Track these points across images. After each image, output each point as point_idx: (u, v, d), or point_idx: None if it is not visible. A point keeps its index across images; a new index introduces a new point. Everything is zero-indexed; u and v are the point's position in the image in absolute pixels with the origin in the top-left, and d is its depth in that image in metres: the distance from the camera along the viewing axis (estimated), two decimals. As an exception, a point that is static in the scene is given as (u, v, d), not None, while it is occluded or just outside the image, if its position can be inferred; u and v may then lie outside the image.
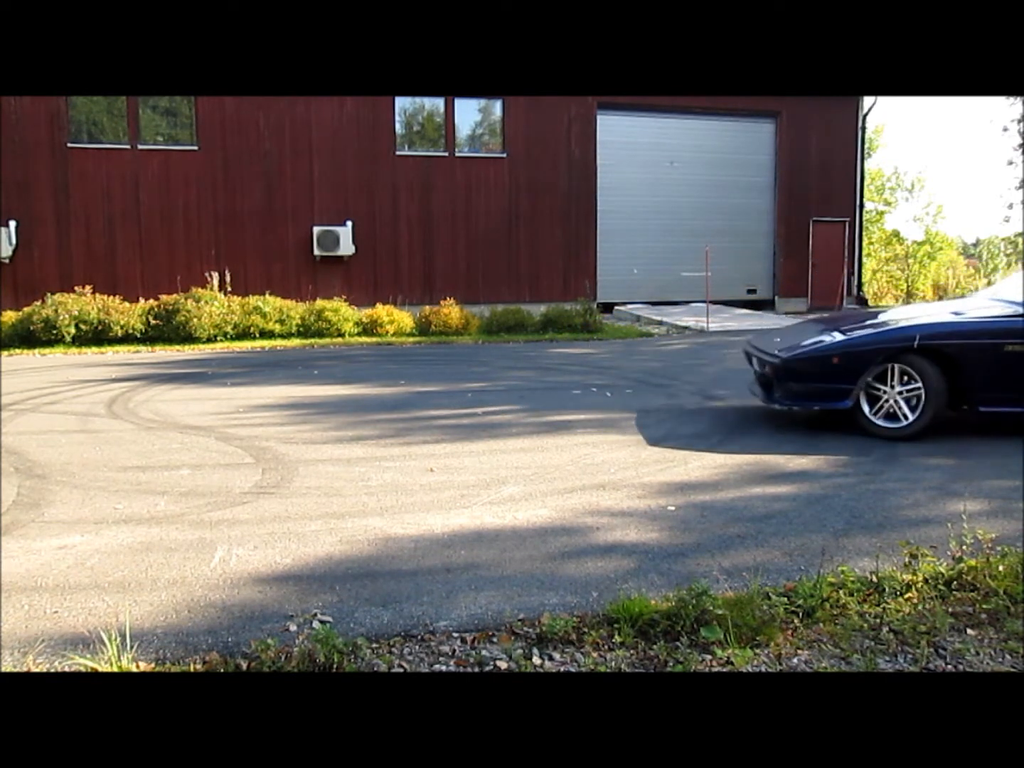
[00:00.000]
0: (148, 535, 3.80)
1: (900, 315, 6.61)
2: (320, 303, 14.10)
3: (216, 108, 15.05)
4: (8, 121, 14.10)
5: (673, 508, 4.16)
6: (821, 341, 5.89)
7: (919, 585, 3.09)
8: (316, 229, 15.48)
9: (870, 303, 19.80)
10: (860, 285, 19.58)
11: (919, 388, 5.61)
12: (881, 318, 6.48)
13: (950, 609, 2.93)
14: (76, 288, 13.55)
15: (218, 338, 13.10)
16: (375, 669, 2.55)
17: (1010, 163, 27.31)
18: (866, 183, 21.85)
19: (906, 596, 3.03)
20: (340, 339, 13.56)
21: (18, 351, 11.90)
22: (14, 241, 14.15)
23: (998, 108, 49.61)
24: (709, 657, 2.62)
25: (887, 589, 3.05)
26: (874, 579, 3.11)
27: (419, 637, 2.79)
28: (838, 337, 5.84)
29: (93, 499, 4.37)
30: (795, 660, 2.63)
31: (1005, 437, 5.70)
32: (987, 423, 5.92)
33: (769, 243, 18.89)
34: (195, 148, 15.13)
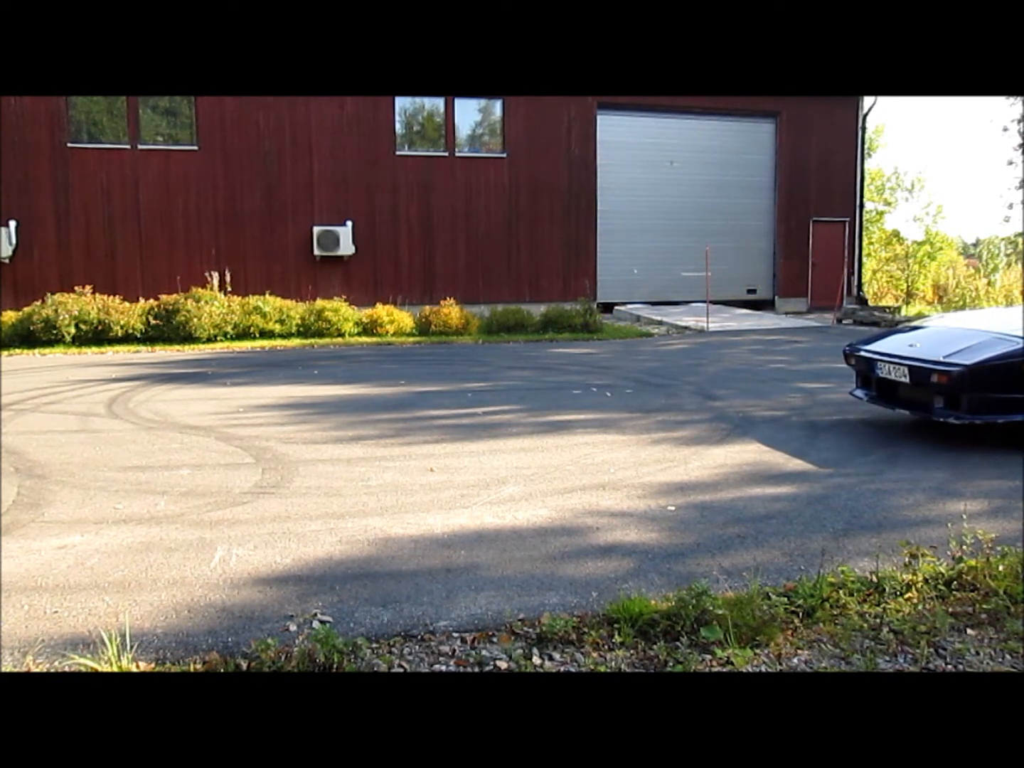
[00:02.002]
0: (148, 535, 3.80)
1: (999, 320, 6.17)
2: (320, 303, 14.10)
3: (216, 108, 15.06)
4: (8, 121, 14.10)
5: (673, 508, 4.16)
6: (1003, 346, 5.35)
7: (919, 585, 3.09)
8: (316, 229, 15.48)
9: (870, 303, 19.79)
10: (860, 285, 19.59)
11: None
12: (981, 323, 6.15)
13: (950, 609, 2.93)
14: (76, 288, 13.55)
15: (218, 338, 13.10)
16: (375, 669, 2.55)
17: (1010, 163, 27.31)
18: (866, 183, 21.85)
19: (906, 596, 3.03)
20: (340, 339, 13.56)
21: (18, 351, 11.90)
22: (14, 241, 14.15)
23: (998, 108, 49.64)
24: (709, 657, 2.62)
25: (887, 589, 3.05)
26: (874, 579, 3.11)
27: (419, 637, 2.79)
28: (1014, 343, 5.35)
29: (93, 499, 4.37)
30: (795, 660, 2.63)
31: None
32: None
33: (769, 243, 18.90)
34: (195, 148, 15.13)
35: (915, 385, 5.61)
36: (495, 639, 2.77)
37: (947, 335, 5.96)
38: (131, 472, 4.92)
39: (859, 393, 6.30)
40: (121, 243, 14.86)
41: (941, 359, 5.40)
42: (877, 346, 6.18)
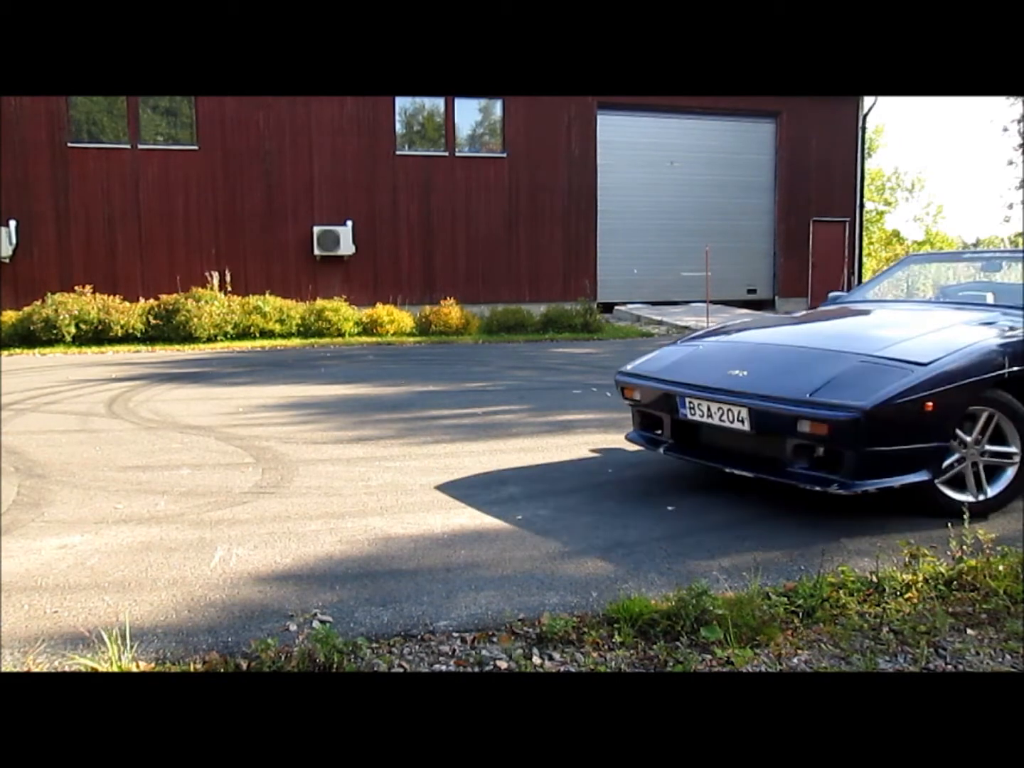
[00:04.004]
0: (148, 535, 3.80)
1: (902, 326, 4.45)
2: (320, 303, 14.10)
3: (216, 108, 15.06)
4: (8, 121, 14.10)
5: (672, 508, 4.16)
6: (894, 375, 3.77)
7: (919, 585, 3.09)
8: (316, 229, 15.49)
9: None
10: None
11: (1013, 449, 3.99)
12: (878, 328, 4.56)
13: (950, 609, 2.93)
14: (76, 288, 13.55)
15: (218, 338, 13.10)
16: (375, 669, 2.55)
17: (1010, 163, 27.34)
18: (866, 183, 21.86)
19: (906, 596, 3.03)
20: (340, 339, 13.56)
21: (18, 351, 11.90)
22: (14, 241, 14.16)
23: (998, 108, 49.64)
24: (709, 657, 2.62)
25: (887, 589, 3.05)
26: (874, 579, 3.11)
27: (419, 637, 2.79)
28: (916, 369, 3.78)
29: (93, 499, 4.37)
30: (795, 660, 2.63)
31: None
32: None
33: (769, 243, 18.90)
34: (195, 148, 15.13)
35: (761, 435, 3.96)
36: (495, 639, 2.77)
37: (783, 356, 4.23)
38: (131, 472, 4.92)
39: (638, 438, 4.71)
40: (121, 243, 14.86)
41: (808, 397, 3.74)
42: (675, 371, 4.44)
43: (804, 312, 6.08)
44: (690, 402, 4.18)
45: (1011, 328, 4.21)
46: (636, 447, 5.00)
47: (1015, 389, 3.99)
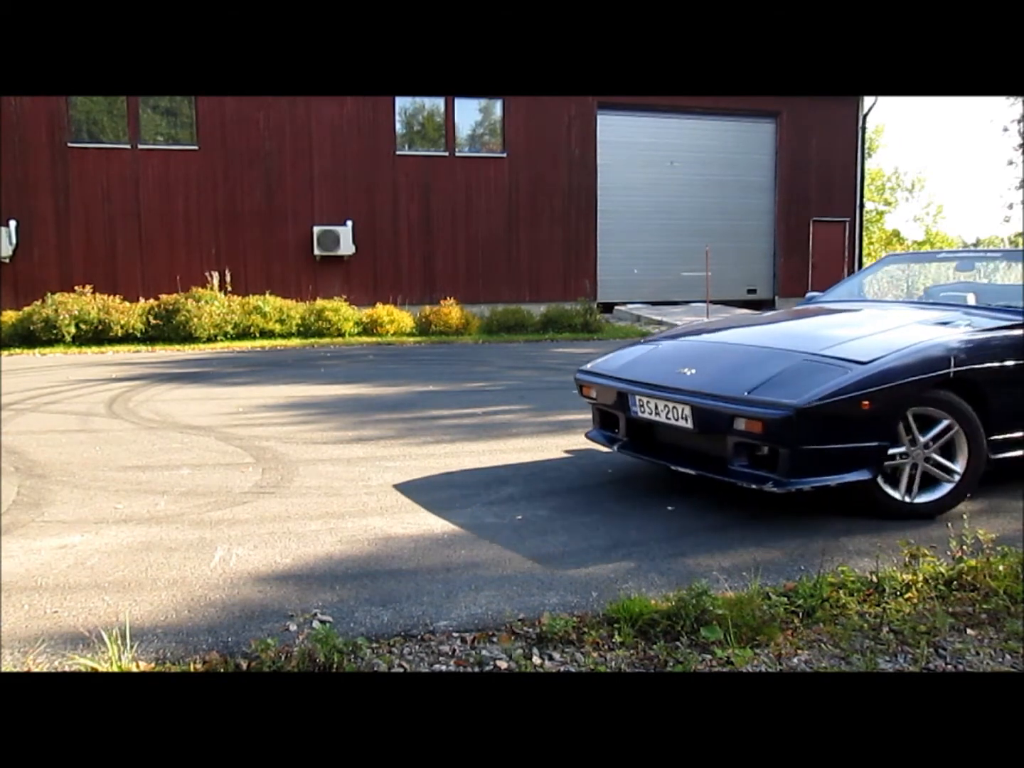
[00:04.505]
0: (148, 535, 3.80)
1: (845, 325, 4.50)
2: (320, 303, 14.10)
3: (216, 108, 15.06)
4: (8, 121, 14.10)
5: (672, 508, 4.16)
6: (832, 374, 3.77)
7: (919, 585, 3.09)
8: (316, 229, 15.48)
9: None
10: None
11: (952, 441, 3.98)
12: (835, 329, 4.50)
13: (950, 609, 2.93)
14: (76, 288, 13.56)
15: (218, 338, 13.10)
16: (375, 669, 2.55)
17: (1010, 163, 27.34)
18: (866, 183, 21.86)
19: (906, 596, 3.03)
20: (340, 339, 13.56)
21: (18, 351, 11.90)
22: (14, 241, 14.16)
23: (998, 108, 49.64)
24: (709, 657, 2.62)
25: (887, 589, 3.05)
26: (874, 579, 3.11)
27: (419, 637, 2.79)
28: (854, 368, 3.79)
29: (93, 499, 4.37)
30: (795, 660, 2.63)
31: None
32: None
33: (769, 243, 18.90)
34: (195, 148, 15.13)
35: (703, 433, 3.97)
36: (495, 639, 2.77)
37: (733, 355, 4.26)
38: (131, 472, 4.92)
39: (599, 436, 4.74)
40: (121, 243, 14.87)
41: (746, 395, 3.77)
42: (629, 370, 4.48)
43: (773, 312, 6.06)
44: (640, 400, 4.20)
45: (968, 327, 4.21)
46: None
47: (963, 390, 3.96)
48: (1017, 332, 4.22)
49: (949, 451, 3.96)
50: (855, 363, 3.81)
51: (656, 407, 4.12)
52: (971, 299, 4.88)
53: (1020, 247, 29.94)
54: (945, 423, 3.91)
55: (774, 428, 3.64)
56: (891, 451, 3.86)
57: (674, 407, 4.01)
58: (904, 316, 4.56)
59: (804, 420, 3.62)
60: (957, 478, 3.96)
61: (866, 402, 3.69)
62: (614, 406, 4.45)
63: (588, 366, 4.80)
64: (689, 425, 3.95)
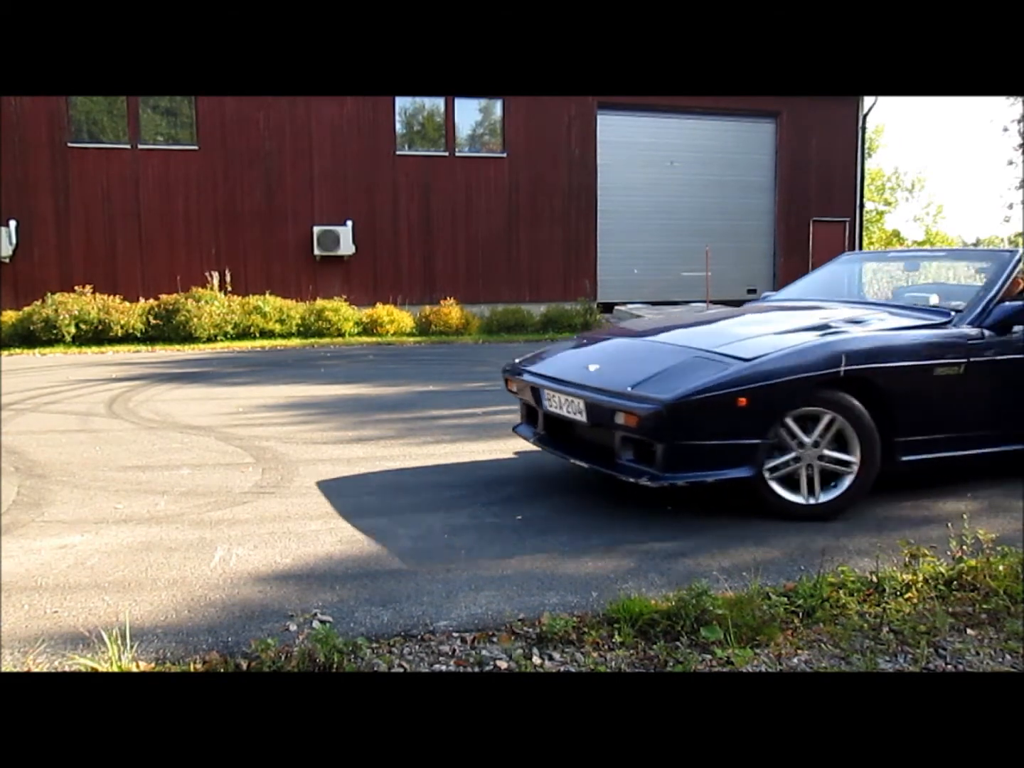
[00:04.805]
0: (148, 535, 3.80)
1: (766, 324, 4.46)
2: (320, 303, 14.11)
3: (216, 108, 15.06)
4: (8, 121, 14.10)
5: (671, 507, 4.15)
6: (708, 370, 3.80)
7: (919, 585, 3.09)
8: (316, 229, 15.48)
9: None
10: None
11: (845, 441, 3.93)
12: (741, 326, 4.50)
13: (950, 609, 2.93)
14: (76, 288, 13.56)
15: (218, 338, 13.11)
16: (375, 669, 2.55)
17: (1010, 163, 27.34)
18: (866, 183, 21.86)
19: (906, 596, 3.03)
20: (340, 339, 13.56)
21: (18, 351, 11.90)
22: (14, 241, 14.15)
23: (998, 108, 49.62)
24: (709, 657, 2.62)
25: (887, 589, 3.05)
26: (874, 579, 3.11)
27: (419, 637, 2.79)
28: (735, 364, 3.80)
29: (93, 499, 4.37)
30: (795, 660, 2.63)
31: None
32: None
33: (769, 243, 18.90)
34: (195, 148, 15.13)
35: (594, 426, 4.01)
36: (495, 639, 2.77)
37: (638, 351, 4.35)
38: (131, 472, 4.92)
39: (524, 431, 4.76)
40: (121, 243, 14.86)
41: (628, 390, 3.80)
42: (546, 365, 4.55)
43: (718, 310, 6.01)
44: (548, 395, 4.28)
45: (880, 327, 4.21)
46: None
47: (857, 390, 3.92)
48: (930, 332, 4.20)
49: (843, 446, 3.94)
50: (738, 360, 3.82)
51: (560, 402, 4.19)
52: (933, 299, 4.82)
53: (1020, 246, 29.97)
54: (828, 417, 3.86)
55: (647, 422, 3.68)
56: (784, 457, 3.86)
57: (572, 401, 4.08)
58: (820, 315, 4.57)
59: (674, 415, 3.64)
60: (855, 468, 3.92)
61: (742, 399, 3.70)
62: (532, 400, 4.51)
63: (515, 361, 4.88)
64: (584, 419, 4.00)
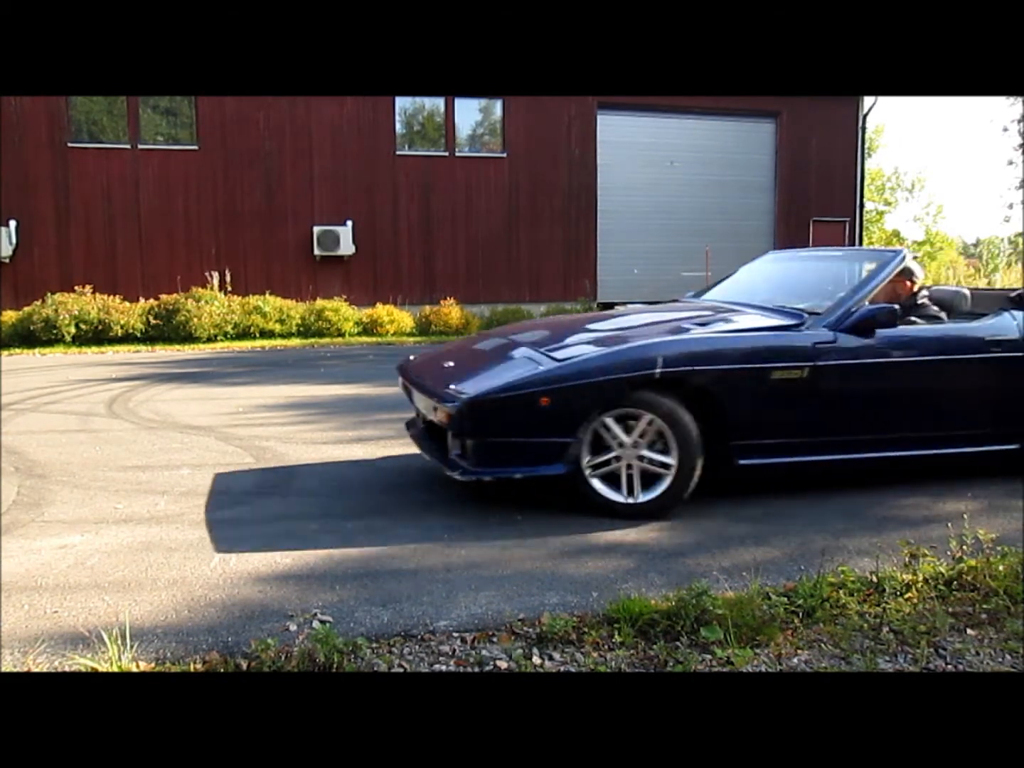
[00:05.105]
0: (148, 535, 3.80)
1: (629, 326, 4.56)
2: (320, 303, 14.10)
3: (216, 108, 15.05)
4: (8, 121, 14.10)
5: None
6: (519, 370, 3.95)
7: (919, 585, 3.09)
8: (316, 229, 15.48)
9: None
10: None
11: (665, 442, 3.92)
12: (603, 330, 4.52)
13: (950, 609, 2.93)
14: (76, 288, 13.56)
15: (218, 338, 13.10)
16: (375, 669, 2.55)
17: (1010, 163, 27.34)
18: (866, 183, 21.86)
19: (906, 596, 3.03)
20: (340, 339, 13.56)
21: (18, 351, 11.90)
22: (14, 240, 14.15)
23: (998, 108, 49.62)
24: (709, 657, 2.62)
25: (887, 589, 3.05)
26: (874, 579, 3.11)
27: (419, 637, 2.79)
28: (545, 364, 3.94)
29: (93, 499, 4.37)
30: (795, 660, 2.63)
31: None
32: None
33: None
34: (195, 148, 15.13)
35: (433, 423, 4.24)
36: (495, 639, 2.77)
37: (492, 350, 4.51)
38: (131, 472, 4.92)
39: (407, 426, 4.93)
40: (121, 243, 14.86)
41: (445, 389, 3.99)
42: (417, 364, 4.75)
43: (623, 309, 6.00)
44: (413, 393, 4.50)
45: (721, 326, 4.23)
46: None
47: (677, 392, 3.92)
48: (771, 334, 4.16)
49: (664, 448, 3.94)
50: (552, 360, 3.96)
51: (418, 400, 4.42)
52: (806, 304, 4.59)
53: (1020, 247, 29.91)
54: (647, 418, 3.88)
55: (453, 419, 3.84)
56: (605, 456, 3.92)
57: (422, 400, 4.29)
58: (683, 315, 4.63)
59: (474, 412, 3.79)
60: (674, 470, 3.91)
61: (544, 398, 3.79)
62: (408, 399, 4.75)
63: (408, 358, 5.05)
64: (431, 417, 4.19)
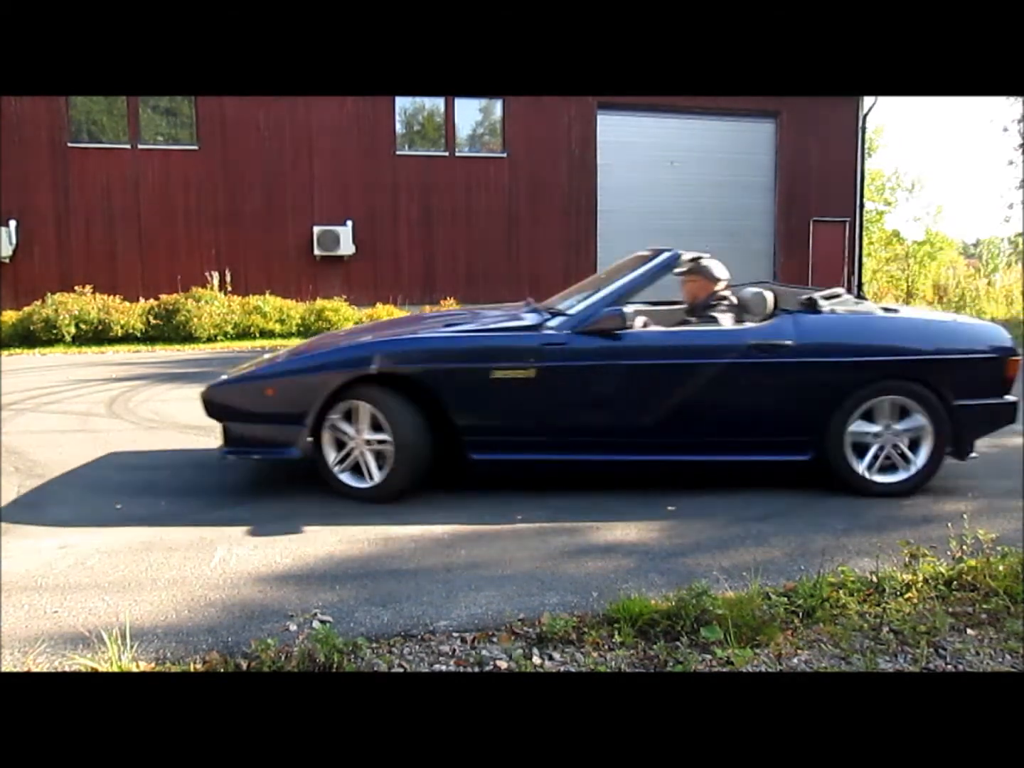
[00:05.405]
0: (148, 535, 3.80)
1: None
2: (320, 303, 14.09)
3: (216, 108, 15.04)
4: (8, 121, 14.10)
5: (672, 508, 4.16)
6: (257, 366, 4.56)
7: (919, 585, 3.09)
8: (316, 229, 15.47)
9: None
10: (860, 285, 19.59)
11: (385, 437, 4.14)
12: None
13: (950, 609, 2.93)
14: (76, 288, 13.54)
15: (218, 338, 13.10)
16: (375, 669, 2.55)
17: (1010, 163, 27.32)
18: (866, 183, 21.84)
19: (906, 596, 3.03)
20: (340, 339, 13.53)
21: (18, 351, 11.89)
22: (14, 240, 14.14)
23: (998, 108, 49.62)
24: (709, 657, 2.62)
25: (887, 589, 3.05)
26: (874, 579, 3.11)
27: (419, 637, 2.79)
28: (279, 361, 4.50)
29: (93, 499, 4.37)
30: (795, 660, 2.63)
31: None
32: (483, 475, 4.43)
33: (769, 243, 18.88)
34: (195, 148, 15.12)
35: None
36: (495, 639, 2.77)
37: (313, 345, 4.99)
38: (131, 472, 4.92)
39: None
40: (121, 243, 14.85)
41: (218, 381, 4.54)
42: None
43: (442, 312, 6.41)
44: None
45: (462, 326, 4.44)
46: None
47: (394, 386, 4.14)
48: (499, 334, 4.30)
49: (379, 427, 4.18)
50: (291, 358, 4.48)
51: None
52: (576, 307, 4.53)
53: (1020, 247, 29.89)
54: (366, 408, 4.16)
55: (204, 403, 4.49)
56: (343, 452, 4.25)
57: None
58: (444, 317, 5.16)
59: (213, 398, 4.46)
60: (392, 447, 4.12)
61: (270, 390, 4.26)
62: None
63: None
64: None
